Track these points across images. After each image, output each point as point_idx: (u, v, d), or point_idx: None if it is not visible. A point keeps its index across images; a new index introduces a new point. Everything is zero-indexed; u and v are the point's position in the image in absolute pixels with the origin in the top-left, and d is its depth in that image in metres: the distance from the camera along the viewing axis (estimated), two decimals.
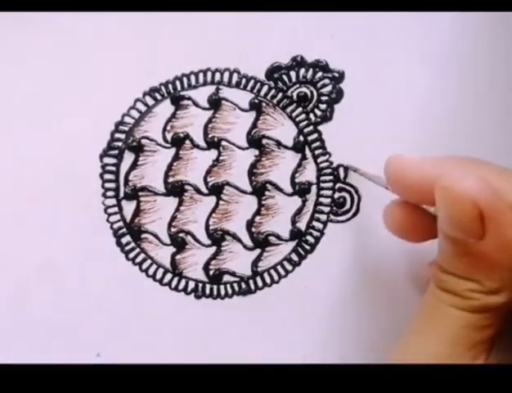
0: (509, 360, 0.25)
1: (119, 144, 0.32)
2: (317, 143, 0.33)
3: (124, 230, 0.32)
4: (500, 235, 0.23)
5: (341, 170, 0.33)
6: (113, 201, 0.32)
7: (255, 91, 0.32)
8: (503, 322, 0.24)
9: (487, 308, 0.24)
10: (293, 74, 0.32)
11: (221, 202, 0.33)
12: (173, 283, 0.33)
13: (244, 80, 0.32)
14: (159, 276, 0.33)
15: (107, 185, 0.32)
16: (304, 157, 0.33)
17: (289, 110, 0.33)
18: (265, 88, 0.32)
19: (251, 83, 0.32)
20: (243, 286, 0.33)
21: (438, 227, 0.24)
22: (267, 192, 0.33)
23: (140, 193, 0.32)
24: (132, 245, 0.32)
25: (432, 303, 0.25)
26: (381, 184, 0.29)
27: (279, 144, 0.33)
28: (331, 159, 0.33)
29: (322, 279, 0.33)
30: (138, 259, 0.32)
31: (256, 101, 0.32)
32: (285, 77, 0.32)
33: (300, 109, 0.33)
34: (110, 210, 0.32)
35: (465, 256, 0.23)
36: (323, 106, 0.33)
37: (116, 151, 0.32)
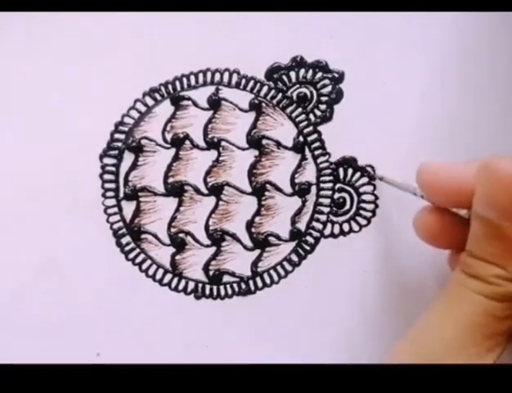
0: None
1: (119, 144, 0.32)
2: (317, 144, 0.33)
3: (124, 230, 0.32)
4: None
5: (341, 170, 0.33)
6: (113, 202, 0.32)
7: (255, 91, 0.32)
8: None
9: (510, 296, 0.24)
10: (293, 74, 0.32)
11: (221, 203, 0.33)
12: (173, 284, 0.33)
13: (243, 81, 0.32)
14: (158, 276, 0.33)
15: (107, 185, 0.32)
16: (304, 157, 0.33)
17: (288, 110, 0.33)
18: (265, 89, 0.32)
19: (251, 83, 0.32)
20: (243, 286, 0.33)
21: (473, 210, 0.24)
22: (266, 193, 0.33)
23: (140, 193, 0.32)
24: (132, 245, 0.32)
25: (455, 288, 0.25)
26: (410, 191, 0.29)
27: (279, 144, 0.33)
28: (331, 159, 0.33)
29: (322, 279, 0.33)
30: (138, 260, 0.32)
31: (256, 101, 0.32)
32: (284, 77, 0.32)
33: (300, 109, 0.33)
34: (110, 211, 0.32)
35: (496, 240, 0.23)
36: (323, 107, 0.33)
37: (116, 152, 0.32)
